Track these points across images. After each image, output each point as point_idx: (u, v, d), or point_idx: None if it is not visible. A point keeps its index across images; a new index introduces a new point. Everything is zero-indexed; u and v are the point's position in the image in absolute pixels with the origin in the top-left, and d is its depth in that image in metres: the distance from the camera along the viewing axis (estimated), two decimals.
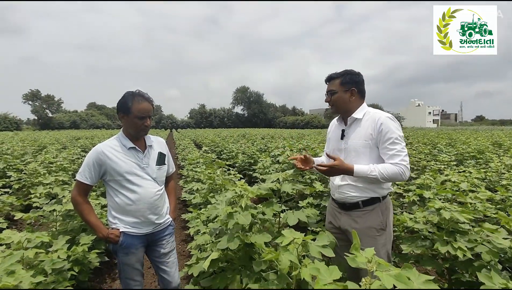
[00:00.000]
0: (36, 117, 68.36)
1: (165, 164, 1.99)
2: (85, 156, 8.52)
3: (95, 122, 70.02)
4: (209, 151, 6.80)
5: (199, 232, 2.88)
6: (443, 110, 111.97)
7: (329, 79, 1.88)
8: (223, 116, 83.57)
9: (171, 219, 2.03)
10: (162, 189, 1.95)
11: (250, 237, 1.54)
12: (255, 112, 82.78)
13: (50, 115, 70.39)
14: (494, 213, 2.53)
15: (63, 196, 2.93)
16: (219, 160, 4.93)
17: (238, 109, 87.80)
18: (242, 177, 4.57)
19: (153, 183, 1.88)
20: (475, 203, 2.26)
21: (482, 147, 8.31)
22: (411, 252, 2.07)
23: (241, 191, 1.74)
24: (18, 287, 1.55)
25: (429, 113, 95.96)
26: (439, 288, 0.80)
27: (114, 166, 1.76)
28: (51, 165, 6.39)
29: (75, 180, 1.83)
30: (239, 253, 1.65)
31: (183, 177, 6.14)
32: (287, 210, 1.78)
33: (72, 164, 7.32)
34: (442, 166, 5.72)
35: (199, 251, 2.20)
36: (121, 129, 1.90)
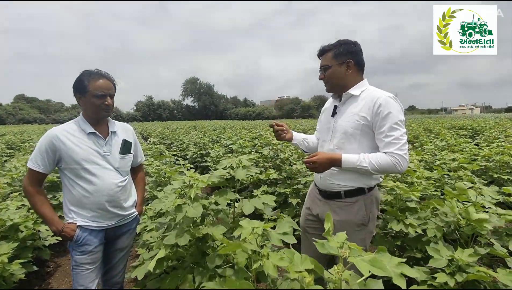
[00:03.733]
0: None
1: (130, 153, 1.77)
2: (10, 154, 7.49)
3: (25, 116, 62.42)
4: (158, 143, 6.38)
5: (146, 229, 2.63)
6: None
7: (322, 52, 1.62)
8: (173, 109, 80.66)
9: (137, 213, 1.83)
10: (125, 180, 1.73)
11: (202, 230, 1.37)
12: (206, 104, 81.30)
13: None
14: (433, 191, 2.71)
15: None
16: (167, 152, 4.62)
17: (188, 101, 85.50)
18: (194, 168, 4.34)
19: (115, 174, 1.66)
20: (420, 182, 2.37)
21: (416, 132, 9.10)
22: None
23: (190, 181, 1.55)
24: None
25: None
26: (413, 269, 0.74)
27: (69, 152, 1.55)
28: None
29: (27, 167, 1.58)
30: (190, 249, 1.48)
31: None
32: (241, 199, 1.64)
33: None
34: None
35: (147, 251, 1.97)
36: (80, 113, 1.66)
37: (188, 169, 3.73)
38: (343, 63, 1.57)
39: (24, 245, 2.51)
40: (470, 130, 10.95)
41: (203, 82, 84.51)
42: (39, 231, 2.67)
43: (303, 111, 76.02)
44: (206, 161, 6.34)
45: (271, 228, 1.21)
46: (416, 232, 1.86)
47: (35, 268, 2.50)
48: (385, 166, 1.43)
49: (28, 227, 2.47)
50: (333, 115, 1.67)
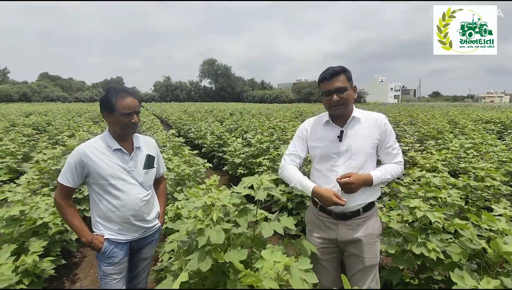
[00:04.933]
0: None
1: (153, 167, 1.83)
2: (37, 138, 7.80)
3: (49, 94, 64.35)
4: (177, 134, 6.47)
5: (167, 230, 2.71)
6: (403, 86, 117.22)
7: (334, 74, 1.61)
8: (190, 90, 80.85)
9: (159, 224, 1.89)
10: (149, 194, 1.79)
11: (224, 256, 1.39)
12: (223, 85, 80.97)
13: None
14: (458, 201, 2.62)
15: (5, 199, 2.57)
16: (185, 147, 4.67)
17: (206, 82, 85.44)
18: (211, 165, 4.38)
19: (140, 188, 1.73)
20: (445, 198, 2.30)
21: (440, 126, 8.76)
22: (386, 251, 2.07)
23: (211, 201, 1.56)
24: None
25: (391, 89, 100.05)
26: None
27: (97, 169, 1.62)
28: None
29: (58, 182, 1.67)
30: (212, 270, 1.51)
31: None
32: (261, 219, 1.65)
33: (22, 147, 6.64)
34: (407, 148, 5.94)
35: (168, 259, 2.03)
36: (107, 128, 1.73)
37: (206, 169, 3.76)
38: (351, 87, 1.66)
39: (53, 240, 2.65)
40: (499, 124, 10.42)
41: (221, 63, 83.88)
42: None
43: (321, 95, 74.43)
44: (223, 151, 6.39)
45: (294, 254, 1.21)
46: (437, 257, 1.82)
47: (63, 261, 2.66)
48: (398, 174, 1.68)
49: (57, 223, 2.59)
50: (341, 140, 1.66)
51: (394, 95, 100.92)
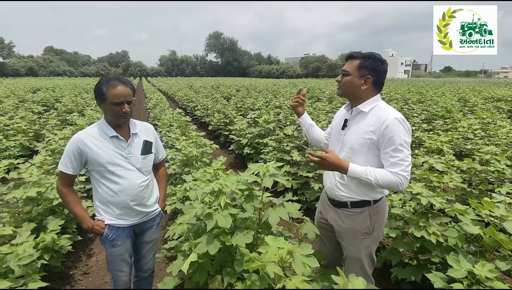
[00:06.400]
0: None
1: (151, 152, 1.85)
2: (46, 115, 7.90)
3: (55, 69, 64.31)
4: (184, 113, 6.50)
5: (176, 209, 2.83)
6: (414, 60, 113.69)
7: (349, 57, 1.63)
8: (196, 64, 79.79)
9: (159, 208, 1.95)
10: (148, 178, 1.83)
11: (231, 239, 1.48)
12: (229, 60, 79.63)
13: (1, 60, 63.35)
14: (460, 184, 2.66)
15: (20, 179, 2.69)
16: (192, 126, 4.72)
17: (212, 57, 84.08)
18: (217, 146, 4.44)
19: (138, 174, 1.76)
20: (447, 183, 2.34)
21: (449, 105, 8.61)
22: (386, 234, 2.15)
23: (219, 188, 1.63)
24: None
25: (401, 63, 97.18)
26: None
27: (94, 156, 1.64)
28: (7, 128, 5.84)
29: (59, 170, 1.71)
30: (220, 251, 1.61)
31: None
32: (266, 205, 1.72)
33: (33, 124, 6.77)
34: (413, 128, 5.91)
35: (178, 238, 2.14)
36: (103, 116, 1.74)
37: (213, 150, 3.82)
38: (362, 76, 1.57)
39: (69, 218, 2.79)
40: (511, 103, 10.19)
41: (227, 37, 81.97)
42: None
43: (329, 70, 72.92)
44: (230, 130, 6.44)
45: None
46: (437, 240, 1.89)
47: (79, 237, 2.81)
48: (389, 183, 1.49)
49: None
50: (343, 128, 1.70)
51: (405, 70, 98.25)
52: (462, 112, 8.27)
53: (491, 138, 4.92)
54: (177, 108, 6.87)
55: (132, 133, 1.77)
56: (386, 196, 1.74)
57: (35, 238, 2.22)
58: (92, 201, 1.82)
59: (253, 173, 1.74)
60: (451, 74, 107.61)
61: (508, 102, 10.46)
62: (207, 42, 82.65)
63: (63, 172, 1.67)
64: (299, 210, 1.67)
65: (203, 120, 8.98)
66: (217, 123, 7.45)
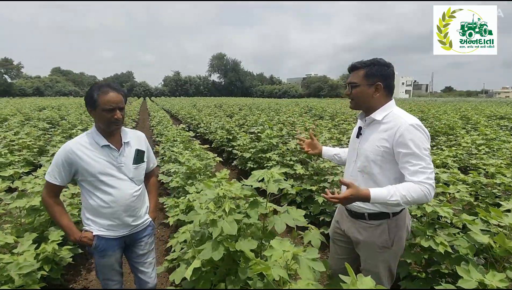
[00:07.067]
0: None
1: (143, 161, 1.82)
2: (50, 132, 7.99)
3: (61, 88, 65.59)
4: (187, 129, 6.55)
5: (179, 222, 2.80)
6: (415, 81, 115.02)
7: (352, 68, 1.60)
8: (199, 84, 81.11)
9: (150, 219, 1.90)
10: (140, 188, 1.80)
11: (235, 245, 1.46)
12: (232, 80, 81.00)
13: (9, 80, 64.81)
14: (467, 197, 2.62)
15: (24, 189, 2.68)
16: (195, 141, 4.75)
17: (215, 77, 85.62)
18: (221, 159, 4.44)
19: (130, 184, 1.73)
20: (453, 193, 2.31)
21: (452, 122, 8.63)
22: None
23: (223, 193, 1.62)
24: None
25: (402, 83, 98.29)
26: None
27: (85, 166, 1.60)
28: (12, 143, 5.89)
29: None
30: (224, 258, 1.58)
31: (159, 154, 5.93)
32: (271, 212, 1.70)
33: (38, 140, 6.83)
34: None
35: (181, 249, 2.10)
36: (93, 125, 1.71)
37: (216, 163, 3.82)
38: (372, 85, 1.54)
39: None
40: None
41: (230, 58, 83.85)
42: None
43: (331, 90, 73.85)
44: (233, 146, 6.46)
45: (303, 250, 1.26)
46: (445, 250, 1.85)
47: (80, 251, 2.76)
48: (417, 197, 1.37)
49: (74, 214, 2.70)
50: (357, 136, 1.67)
51: (406, 90, 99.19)
52: (465, 129, 8.28)
53: (496, 153, 4.89)
54: (181, 124, 6.93)
55: (124, 142, 1.73)
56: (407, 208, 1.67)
57: (36, 248, 2.19)
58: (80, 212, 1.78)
59: (257, 180, 1.74)
60: (452, 94, 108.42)
61: (511, 119, 10.47)
62: (211, 63, 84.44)
63: (50, 183, 1.62)
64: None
65: (206, 137, 9.03)
66: (220, 140, 7.49)
